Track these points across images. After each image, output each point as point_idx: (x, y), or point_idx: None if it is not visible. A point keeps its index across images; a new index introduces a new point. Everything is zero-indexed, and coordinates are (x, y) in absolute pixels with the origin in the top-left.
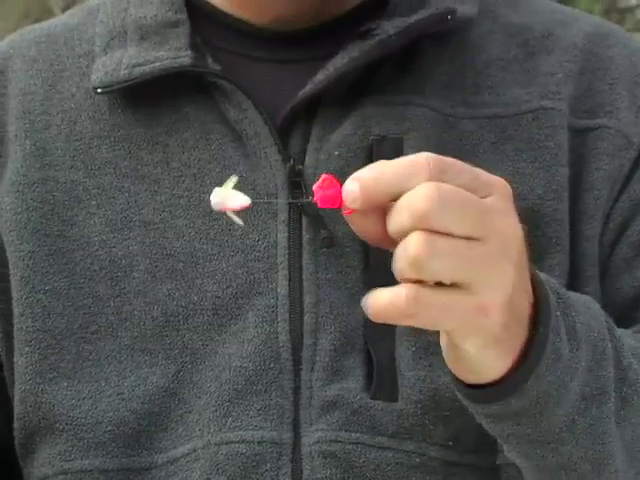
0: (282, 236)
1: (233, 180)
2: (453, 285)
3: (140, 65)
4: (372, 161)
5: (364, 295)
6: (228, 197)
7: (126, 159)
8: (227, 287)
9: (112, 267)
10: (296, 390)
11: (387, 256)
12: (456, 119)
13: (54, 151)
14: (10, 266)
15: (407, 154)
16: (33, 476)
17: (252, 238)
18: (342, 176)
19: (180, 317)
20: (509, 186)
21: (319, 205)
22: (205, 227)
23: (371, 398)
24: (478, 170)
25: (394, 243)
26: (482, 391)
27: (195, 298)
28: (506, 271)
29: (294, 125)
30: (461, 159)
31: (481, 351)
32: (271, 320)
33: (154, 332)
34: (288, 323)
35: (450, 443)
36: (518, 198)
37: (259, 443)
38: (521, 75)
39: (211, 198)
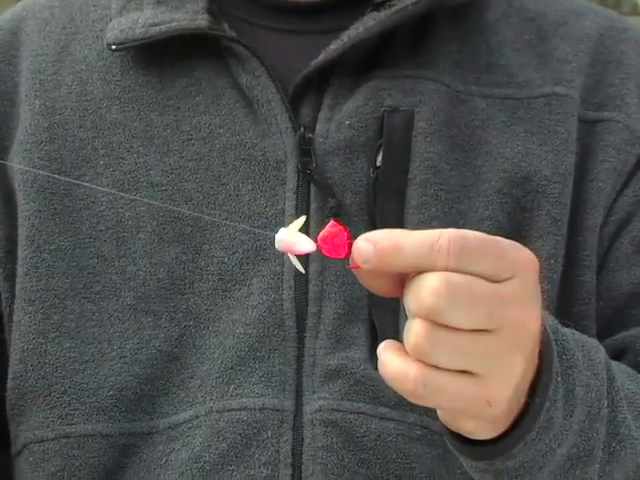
0: (290, 204)
1: (300, 221)
2: (462, 371)
3: (157, 25)
4: (382, 132)
5: None
6: (293, 240)
7: (136, 120)
8: (233, 253)
9: (118, 227)
10: (299, 358)
11: (394, 224)
12: (468, 96)
13: (63, 110)
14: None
15: (417, 127)
16: (23, 438)
17: (260, 205)
18: (351, 146)
19: (186, 281)
20: (537, 261)
21: (324, 254)
22: (213, 192)
23: (375, 368)
24: (504, 247)
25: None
26: (467, 446)
27: (202, 263)
28: (516, 364)
29: (306, 94)
30: (471, 135)
31: (477, 429)
32: (276, 287)
33: (158, 293)
34: (293, 290)
35: None
36: (525, 178)
37: (260, 410)
38: (534, 59)
39: (276, 236)
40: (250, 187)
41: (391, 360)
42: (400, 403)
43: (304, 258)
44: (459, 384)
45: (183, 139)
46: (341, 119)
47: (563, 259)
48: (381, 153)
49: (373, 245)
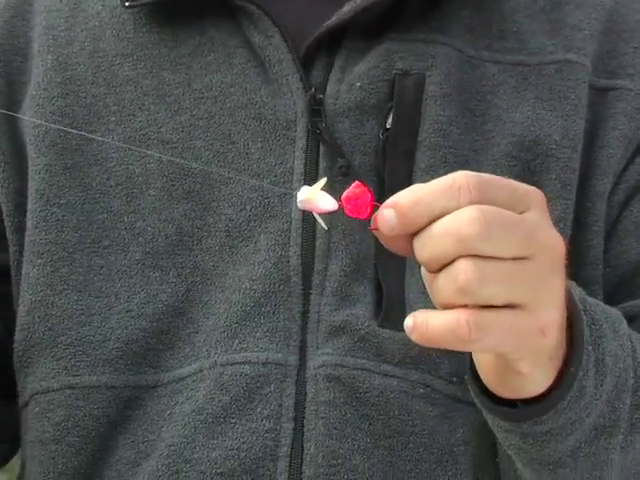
0: (299, 163)
1: (322, 181)
2: (508, 306)
3: None
4: (393, 95)
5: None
6: (315, 198)
7: (148, 78)
8: (241, 210)
9: (128, 183)
10: (304, 314)
11: (402, 186)
12: (479, 61)
13: (76, 66)
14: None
15: (428, 90)
16: (30, 389)
17: (269, 163)
18: (362, 107)
19: (194, 237)
20: (543, 194)
21: (346, 213)
22: (223, 150)
23: (379, 326)
24: (513, 183)
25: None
26: (496, 406)
27: (210, 220)
28: (557, 286)
29: (318, 55)
30: (481, 100)
31: (535, 371)
32: (283, 244)
33: (166, 249)
34: (300, 247)
35: (454, 379)
36: (535, 142)
37: (264, 364)
38: (547, 25)
39: (298, 195)
40: (260, 146)
41: (433, 317)
42: (403, 361)
43: (311, 217)
44: (510, 317)
45: (194, 97)
46: (352, 81)
47: (572, 224)
48: (391, 115)
49: (393, 207)
